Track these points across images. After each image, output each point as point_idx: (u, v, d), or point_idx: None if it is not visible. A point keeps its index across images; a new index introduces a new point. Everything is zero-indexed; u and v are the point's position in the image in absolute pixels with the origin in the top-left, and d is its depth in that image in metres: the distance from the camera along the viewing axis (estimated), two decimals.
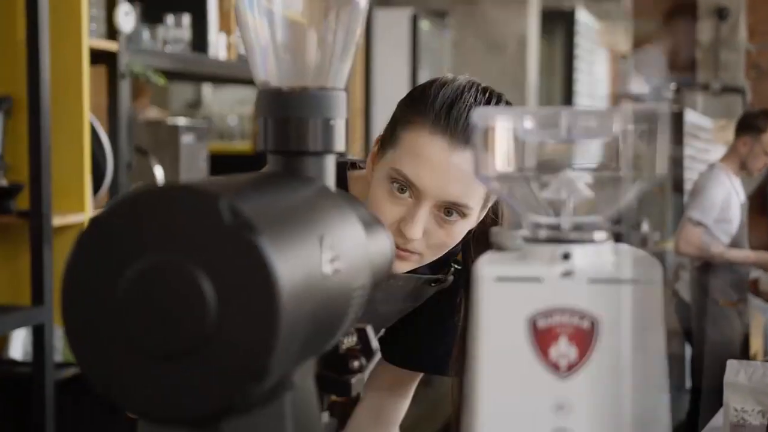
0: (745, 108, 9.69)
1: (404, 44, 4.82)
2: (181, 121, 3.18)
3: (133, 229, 0.62)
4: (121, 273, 0.62)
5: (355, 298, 0.74)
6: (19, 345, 2.59)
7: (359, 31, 0.84)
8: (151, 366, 0.61)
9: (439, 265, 1.38)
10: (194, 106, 5.62)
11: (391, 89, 5.01)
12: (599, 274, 0.67)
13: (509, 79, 5.59)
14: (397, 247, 1.24)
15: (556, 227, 0.71)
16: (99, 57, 2.63)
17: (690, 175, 7.23)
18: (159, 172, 2.90)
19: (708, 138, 7.55)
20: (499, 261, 0.70)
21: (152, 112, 4.13)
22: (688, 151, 6.89)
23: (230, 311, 0.60)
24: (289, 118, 0.80)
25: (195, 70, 3.09)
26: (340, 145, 0.82)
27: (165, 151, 3.10)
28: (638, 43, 10.13)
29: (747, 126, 4.37)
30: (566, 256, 0.68)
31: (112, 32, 2.67)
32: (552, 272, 0.68)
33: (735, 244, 4.38)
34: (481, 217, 1.32)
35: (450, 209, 1.23)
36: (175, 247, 0.61)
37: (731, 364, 1.97)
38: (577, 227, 0.70)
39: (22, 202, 2.38)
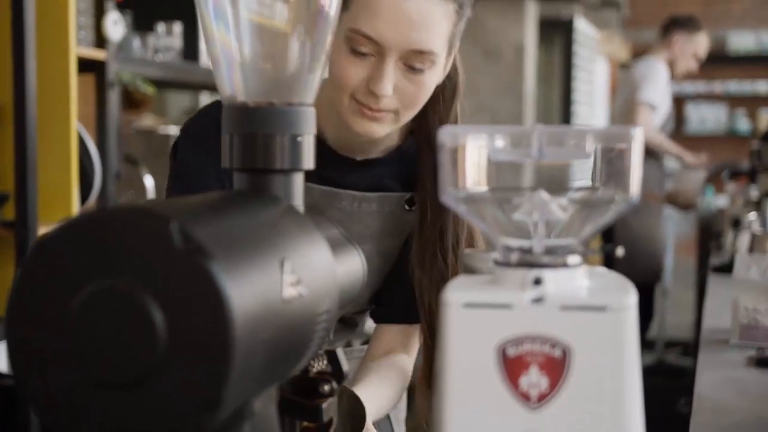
0: (621, 22, 9.79)
1: None
2: (173, 130, 3.16)
3: (82, 252, 0.59)
4: (69, 298, 0.59)
5: (320, 323, 0.72)
6: (3, 356, 2.57)
7: (328, 43, 0.81)
8: (100, 395, 0.59)
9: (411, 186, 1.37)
10: (191, 113, 5.58)
11: None
12: (571, 301, 0.64)
13: (506, 87, 5.57)
14: (370, 108, 1.22)
15: (528, 250, 0.68)
16: (88, 65, 2.61)
17: (578, 85, 7.36)
18: (149, 182, 2.87)
19: (593, 48, 7.72)
20: (467, 286, 0.67)
21: (147, 120, 4.10)
22: (575, 60, 7.10)
23: (181, 339, 0.57)
24: (255, 134, 0.77)
25: (186, 79, 3.06)
26: (308, 162, 0.80)
27: (157, 160, 3.08)
28: (637, 52, 10.12)
29: (681, 25, 4.49)
30: (537, 282, 0.66)
31: (101, 41, 2.64)
32: (522, 298, 0.65)
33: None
34: (447, 68, 1.30)
35: (415, 61, 1.20)
36: (125, 271, 0.58)
37: (741, 259, 1.86)
38: (550, 250, 0.68)
39: (8, 212, 2.35)
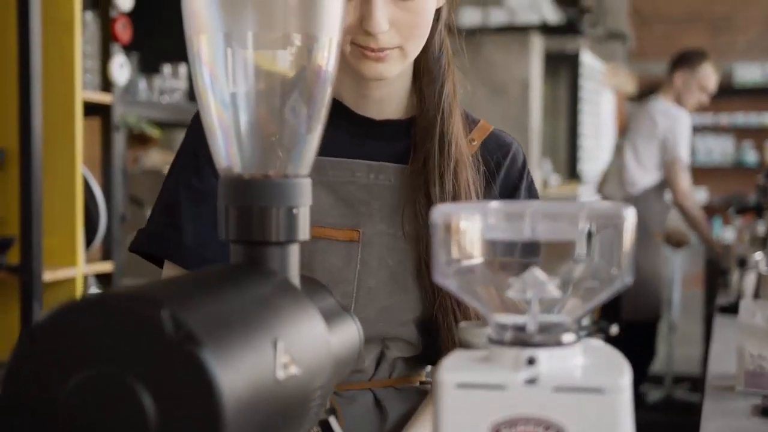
0: (627, 54, 9.83)
1: None
2: None
3: (73, 339, 0.59)
4: (60, 386, 0.59)
5: (314, 399, 0.71)
6: None
7: (323, 114, 0.82)
8: None
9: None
10: None
11: None
12: (565, 382, 0.64)
13: (513, 122, 5.58)
14: (372, 50, 1.17)
15: (521, 328, 0.68)
16: (93, 109, 2.62)
17: (584, 118, 7.38)
18: None
19: (599, 80, 7.75)
20: (461, 365, 0.67)
21: (154, 155, 4.11)
22: (581, 93, 7.13)
23: (172, 427, 0.57)
24: (251, 207, 0.78)
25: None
26: (304, 233, 0.80)
27: None
28: (644, 84, 10.15)
29: (682, 61, 4.56)
30: (531, 361, 0.65)
31: (107, 84, 2.65)
32: (516, 379, 0.65)
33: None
34: None
35: None
36: (116, 359, 0.58)
37: (745, 305, 1.83)
38: (544, 328, 0.67)
39: (13, 256, 2.35)
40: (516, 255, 0.69)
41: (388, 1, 1.15)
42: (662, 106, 4.51)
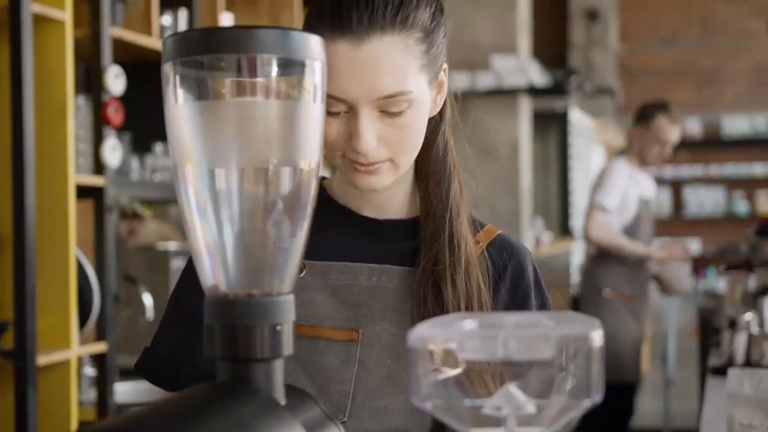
0: (616, 109, 9.90)
1: None
2: (172, 245, 3.20)
3: None
4: None
5: None
6: None
7: (305, 234, 0.85)
8: None
9: None
10: None
11: None
12: None
13: (503, 183, 5.63)
14: (362, 165, 1.17)
15: None
16: (86, 191, 2.66)
17: (575, 175, 7.41)
18: (148, 300, 2.90)
19: (589, 136, 7.80)
20: None
21: (151, 225, 4.14)
22: (571, 150, 7.16)
23: None
24: (236, 325, 0.80)
25: None
26: (288, 348, 0.82)
27: (156, 276, 3.11)
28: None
29: (638, 117, 4.60)
30: None
31: (99, 166, 2.69)
32: None
33: (627, 236, 4.54)
34: (441, 98, 1.25)
35: (390, 106, 1.14)
36: None
37: (733, 373, 1.82)
38: None
39: (7, 341, 2.37)
40: (492, 373, 0.72)
41: (375, 118, 1.15)
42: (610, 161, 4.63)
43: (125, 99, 2.81)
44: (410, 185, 1.30)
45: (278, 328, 0.81)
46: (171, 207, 3.46)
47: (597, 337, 0.69)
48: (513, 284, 1.30)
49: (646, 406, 6.68)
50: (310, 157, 0.83)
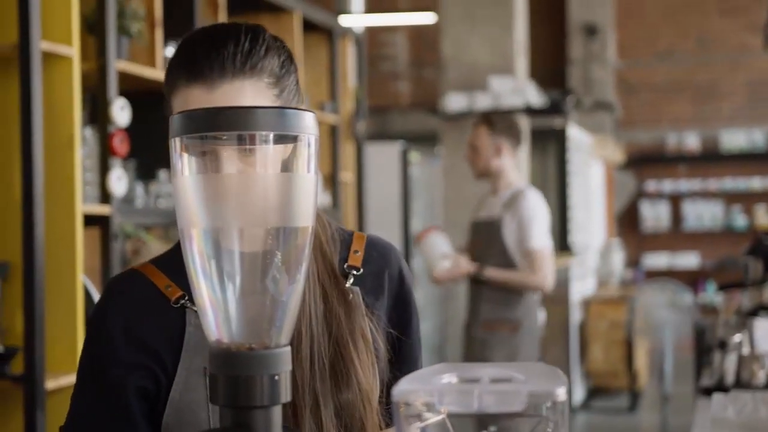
0: (615, 123, 9.91)
1: (395, 176, 4.94)
2: None
3: None
4: None
5: None
6: None
7: (301, 289, 0.93)
8: None
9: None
10: None
11: (384, 221, 5.14)
12: None
13: None
14: None
15: None
16: (92, 219, 2.74)
17: (573, 191, 7.40)
18: None
19: (588, 152, 7.82)
20: None
21: (155, 246, 4.22)
22: (569, 166, 7.16)
23: None
24: (237, 376, 0.89)
25: None
26: (285, 396, 0.90)
27: None
28: (632, 152, 10.34)
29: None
30: None
31: (105, 196, 2.78)
32: None
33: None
34: None
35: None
36: None
37: (717, 399, 1.87)
38: None
39: (17, 366, 2.45)
40: (470, 423, 0.80)
41: (236, 159, 1.09)
42: None
43: (130, 127, 2.89)
44: None
45: (276, 377, 0.89)
46: (173, 229, 3.54)
47: (562, 392, 0.77)
48: (396, 283, 1.37)
49: (644, 421, 6.75)
50: (305, 220, 0.92)
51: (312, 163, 0.91)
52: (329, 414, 1.24)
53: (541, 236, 3.99)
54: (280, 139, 0.88)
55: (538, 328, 4.17)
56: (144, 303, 1.30)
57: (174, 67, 1.25)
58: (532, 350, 4.05)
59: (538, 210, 4.05)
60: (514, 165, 4.15)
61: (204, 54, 1.22)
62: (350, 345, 1.26)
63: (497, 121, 4.11)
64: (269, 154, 0.88)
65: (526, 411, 0.77)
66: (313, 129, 0.91)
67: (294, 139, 0.89)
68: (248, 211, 0.89)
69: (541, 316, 4.31)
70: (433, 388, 0.78)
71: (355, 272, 1.32)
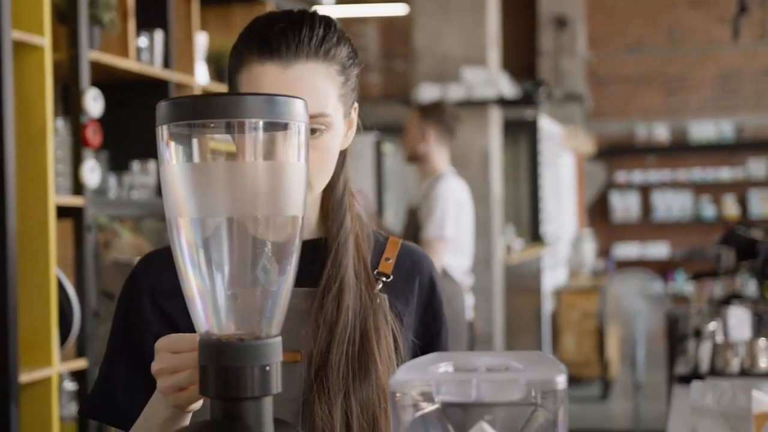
0: (585, 115, 9.96)
1: (369, 167, 4.92)
2: None
3: None
4: None
5: None
6: None
7: (291, 280, 0.91)
8: None
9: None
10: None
11: None
12: None
13: (474, 193, 5.68)
14: None
15: None
16: (65, 211, 2.71)
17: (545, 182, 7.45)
18: None
19: (558, 143, 7.86)
20: None
21: (126, 238, 4.17)
22: (540, 157, 7.18)
23: None
24: (227, 367, 0.87)
25: (161, 214, 3.14)
26: (276, 386, 0.89)
27: None
28: (602, 143, 10.39)
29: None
30: None
31: (78, 187, 2.74)
32: None
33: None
34: (351, 134, 1.32)
35: (311, 124, 1.17)
36: None
37: (696, 386, 1.87)
38: None
39: None
40: (466, 412, 0.79)
41: None
42: None
43: (103, 119, 2.85)
44: (317, 210, 1.33)
45: (267, 368, 0.88)
46: (145, 220, 3.50)
47: (562, 380, 0.76)
48: (426, 293, 1.37)
49: (617, 409, 6.80)
50: (295, 209, 0.90)
51: (302, 151, 0.90)
52: (351, 404, 1.22)
53: (437, 226, 3.90)
54: (269, 127, 0.87)
55: (460, 316, 4.02)
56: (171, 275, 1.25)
57: (245, 43, 1.25)
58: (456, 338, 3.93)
59: (444, 199, 3.95)
60: (442, 153, 4.09)
61: (281, 33, 1.23)
62: (373, 340, 1.26)
63: (429, 109, 4.13)
64: (259, 141, 0.86)
65: (524, 400, 0.76)
66: (304, 116, 0.90)
67: (284, 126, 0.88)
68: (237, 200, 0.88)
69: (468, 300, 4.21)
70: (431, 378, 0.77)
71: (384, 279, 1.32)
